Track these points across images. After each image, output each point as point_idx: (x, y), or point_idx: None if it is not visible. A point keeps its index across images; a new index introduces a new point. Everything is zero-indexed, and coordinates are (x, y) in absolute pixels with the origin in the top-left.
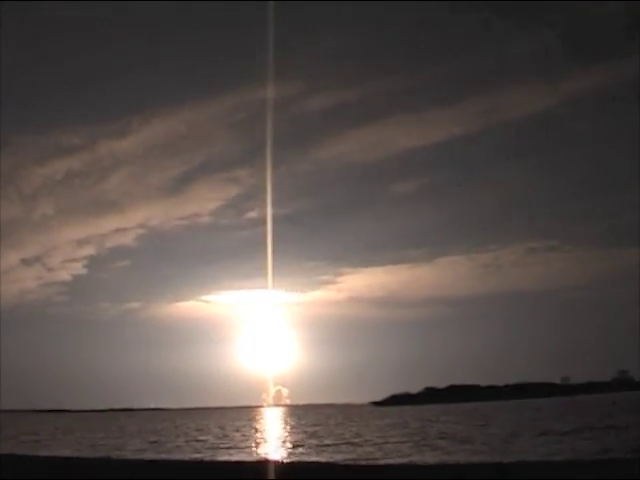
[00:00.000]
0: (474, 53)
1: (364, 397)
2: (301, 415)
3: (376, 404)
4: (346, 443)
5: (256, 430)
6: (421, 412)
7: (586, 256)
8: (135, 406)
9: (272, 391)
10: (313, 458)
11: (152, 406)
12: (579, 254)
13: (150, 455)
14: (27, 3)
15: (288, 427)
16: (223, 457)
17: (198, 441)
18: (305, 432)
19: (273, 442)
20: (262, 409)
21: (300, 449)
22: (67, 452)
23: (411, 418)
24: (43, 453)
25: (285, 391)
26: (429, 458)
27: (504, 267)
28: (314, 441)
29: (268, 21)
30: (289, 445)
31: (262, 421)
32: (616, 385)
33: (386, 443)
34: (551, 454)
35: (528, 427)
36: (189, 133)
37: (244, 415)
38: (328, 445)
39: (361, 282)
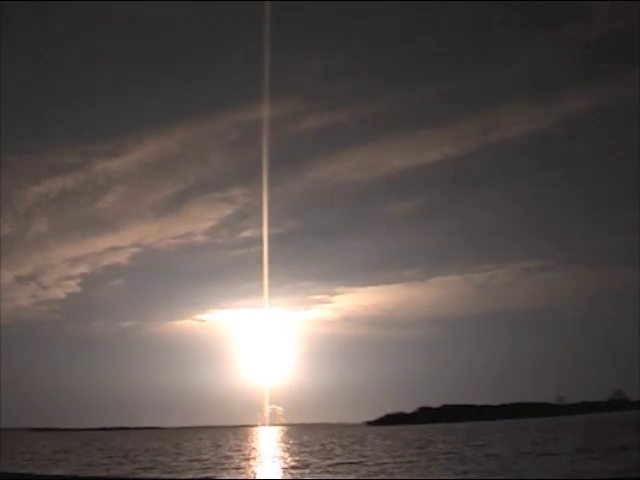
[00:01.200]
0: (469, 73)
1: (358, 416)
2: (299, 435)
3: (370, 424)
4: (351, 463)
5: (256, 450)
6: (418, 432)
7: (581, 276)
8: (130, 425)
9: (267, 410)
10: (320, 478)
11: (147, 425)
12: (575, 273)
13: (154, 474)
14: (22, 23)
15: (288, 447)
16: (227, 477)
17: (198, 461)
18: (306, 452)
19: (276, 463)
20: (257, 428)
21: (305, 470)
22: (63, 471)
23: (410, 437)
24: (38, 472)
25: (280, 410)
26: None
27: (499, 287)
28: (318, 461)
29: (264, 41)
30: (294, 465)
31: (261, 440)
32: (612, 405)
33: (392, 463)
34: (563, 474)
35: (531, 447)
36: (183, 153)
37: (241, 434)
38: (333, 465)
39: (355, 301)
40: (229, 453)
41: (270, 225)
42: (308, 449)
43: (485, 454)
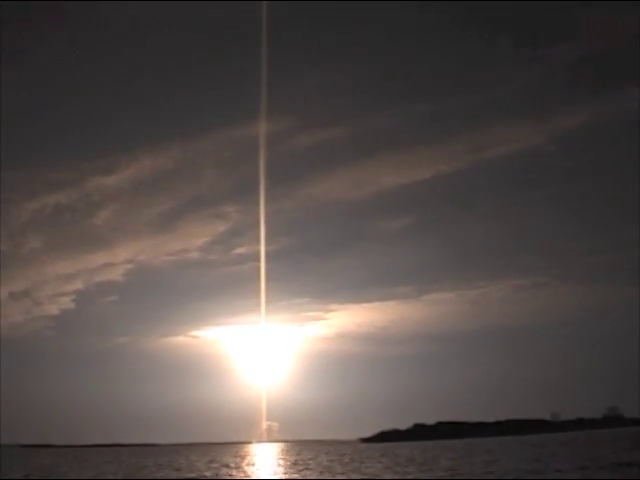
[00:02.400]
0: (461, 90)
1: (352, 433)
2: (298, 451)
3: (365, 440)
4: None
5: (255, 466)
6: (416, 449)
7: (575, 292)
8: (123, 441)
9: (262, 426)
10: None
11: (140, 442)
12: (568, 290)
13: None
14: (20, 39)
15: (290, 464)
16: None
17: (205, 478)
18: (313, 470)
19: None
20: (253, 445)
21: None
22: None
23: (409, 454)
24: None
25: (275, 425)
26: None
27: (493, 303)
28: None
29: (260, 58)
30: None
31: (258, 457)
32: (606, 422)
33: None
34: None
35: (540, 464)
36: (177, 169)
37: (238, 451)
38: None
39: (349, 318)
40: (227, 469)
41: (265, 242)
42: (316, 467)
43: (497, 470)
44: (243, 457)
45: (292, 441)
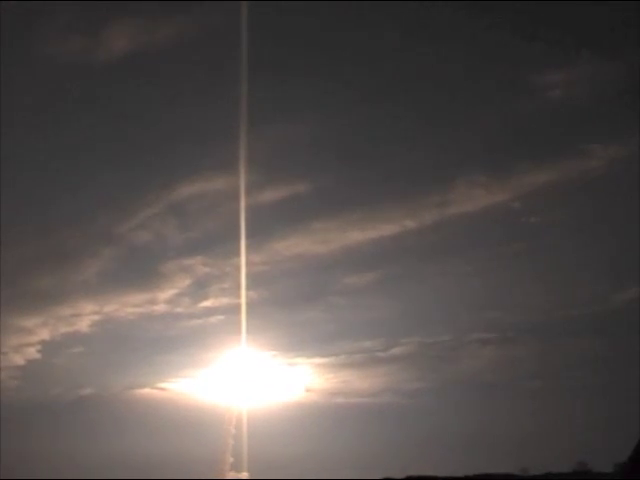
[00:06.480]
0: (427, 147)
1: None
2: None
3: None
4: None
5: None
6: None
7: (542, 347)
8: None
9: (230, 477)
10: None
11: None
12: (535, 345)
13: None
14: None
15: None
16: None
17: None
18: None
19: None
20: None
21: None
22: None
23: None
24: None
25: (245, 475)
26: None
27: (459, 358)
28: None
29: (240, 115)
30: None
31: None
32: (576, 476)
33: None
34: None
35: None
36: (143, 223)
37: None
38: None
39: (316, 372)
40: None
41: (228, 295)
42: None
43: None
44: None
45: None
